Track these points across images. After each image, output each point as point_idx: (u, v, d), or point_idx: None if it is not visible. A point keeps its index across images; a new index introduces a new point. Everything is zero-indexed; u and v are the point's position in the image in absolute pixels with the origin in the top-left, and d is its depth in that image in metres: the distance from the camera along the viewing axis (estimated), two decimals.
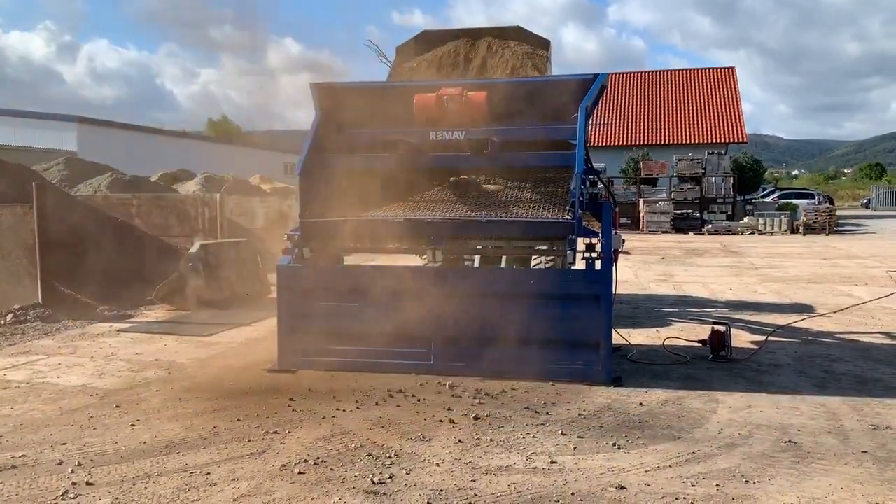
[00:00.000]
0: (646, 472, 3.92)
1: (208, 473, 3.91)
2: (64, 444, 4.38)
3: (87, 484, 3.76)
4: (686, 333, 7.47)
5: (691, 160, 29.73)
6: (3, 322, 8.15)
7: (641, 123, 40.28)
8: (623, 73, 43.88)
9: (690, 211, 29.08)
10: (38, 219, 8.72)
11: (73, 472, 3.92)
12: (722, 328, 6.59)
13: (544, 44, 7.49)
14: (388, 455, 4.17)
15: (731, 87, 41.16)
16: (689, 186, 29.56)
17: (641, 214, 28.56)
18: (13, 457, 4.16)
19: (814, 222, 26.60)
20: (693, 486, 3.73)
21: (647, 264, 15.33)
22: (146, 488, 3.71)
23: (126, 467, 4.00)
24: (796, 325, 8.13)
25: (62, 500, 3.57)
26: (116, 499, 3.58)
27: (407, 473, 3.91)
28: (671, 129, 39.58)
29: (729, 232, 26.62)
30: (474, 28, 7.73)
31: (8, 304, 8.58)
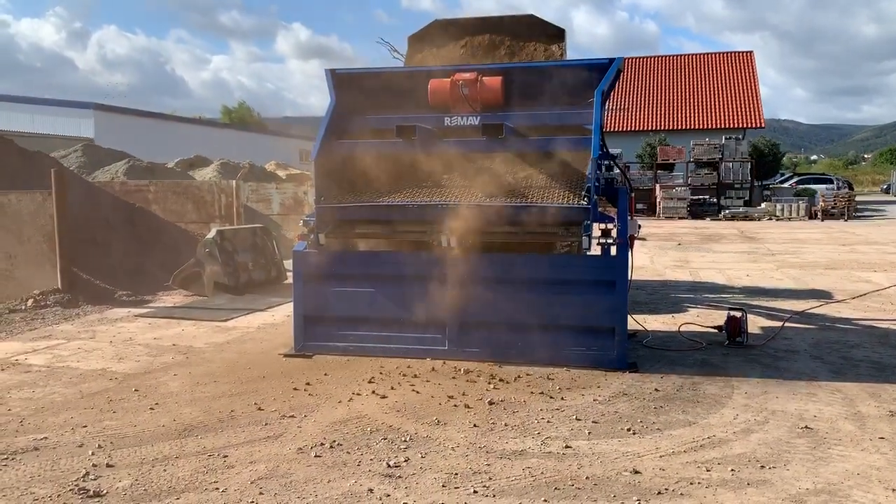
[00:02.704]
0: (661, 456, 3.93)
1: (226, 456, 3.95)
2: (84, 426, 4.45)
3: (108, 466, 3.82)
4: (702, 319, 7.45)
5: (708, 145, 29.49)
6: (23, 307, 8.26)
7: (658, 108, 39.91)
8: (639, 58, 43.43)
9: (707, 196, 28.87)
10: (56, 205, 8.80)
11: (93, 454, 3.98)
12: (738, 314, 6.56)
13: (560, 33, 7.41)
14: (403, 439, 4.19)
15: (748, 72, 40.64)
16: (706, 172, 29.34)
17: (658, 200, 28.37)
18: (35, 439, 4.23)
19: (832, 208, 26.34)
20: (708, 471, 3.73)
21: (663, 250, 15.25)
22: (165, 470, 3.76)
23: (145, 450, 4.05)
24: (814, 311, 8.07)
25: (83, 481, 3.62)
26: (136, 480, 3.64)
27: (422, 457, 3.93)
28: (688, 114, 39.19)
29: (746, 218, 26.43)
30: (487, 17, 7.59)
31: (28, 289, 8.69)
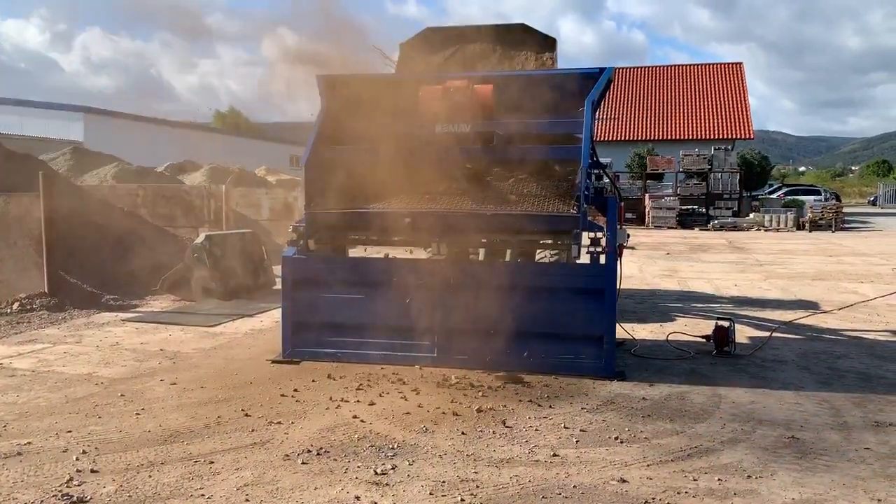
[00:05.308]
0: (648, 465, 3.93)
1: (212, 462, 3.93)
2: (69, 431, 4.41)
3: (92, 471, 3.79)
4: (690, 329, 7.47)
5: (697, 156, 29.66)
6: (9, 311, 8.19)
7: (648, 118, 40.15)
8: (629, 68, 43.75)
9: (696, 207, 29.02)
10: (44, 208, 8.74)
11: (77, 459, 3.95)
12: (726, 324, 6.58)
13: (551, 43, 7.46)
14: (391, 446, 4.18)
15: (738, 83, 40.98)
16: (695, 182, 29.50)
17: (647, 210, 28.50)
18: (19, 444, 4.18)
19: (820, 219, 26.52)
20: (695, 480, 3.73)
21: (652, 259, 15.31)
22: (150, 476, 3.74)
23: (130, 455, 4.02)
24: (801, 321, 8.12)
25: (67, 486, 3.59)
26: (121, 486, 3.61)
27: (409, 464, 3.92)
28: (678, 125, 39.43)
29: (735, 228, 26.59)
30: (479, 25, 7.60)
31: (14, 292, 8.62)
